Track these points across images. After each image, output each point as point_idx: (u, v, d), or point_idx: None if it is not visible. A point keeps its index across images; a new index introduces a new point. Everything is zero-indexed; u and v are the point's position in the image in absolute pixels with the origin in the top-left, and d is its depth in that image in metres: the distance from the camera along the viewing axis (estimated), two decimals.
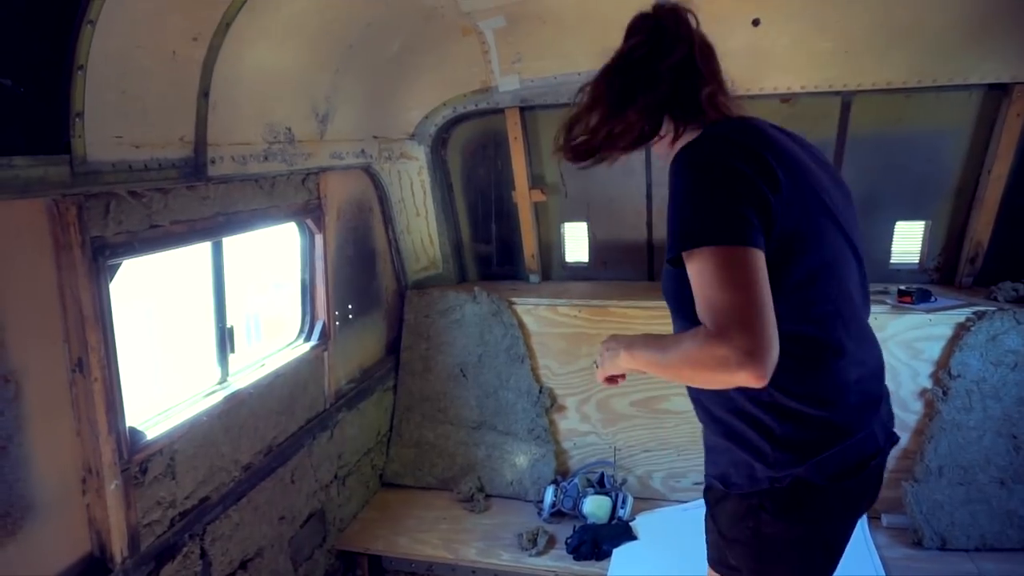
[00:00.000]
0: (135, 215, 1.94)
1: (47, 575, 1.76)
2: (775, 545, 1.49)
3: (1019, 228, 3.15)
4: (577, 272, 3.83)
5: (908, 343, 2.98)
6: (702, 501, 3.17)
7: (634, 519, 3.04)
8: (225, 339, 2.47)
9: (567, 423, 3.41)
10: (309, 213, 2.86)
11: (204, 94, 1.99)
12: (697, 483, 3.21)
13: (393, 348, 3.64)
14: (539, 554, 2.89)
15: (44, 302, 1.72)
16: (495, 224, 3.81)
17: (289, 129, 2.48)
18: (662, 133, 1.54)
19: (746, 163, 1.31)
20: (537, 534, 2.95)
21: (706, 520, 1.64)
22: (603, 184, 3.49)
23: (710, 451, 1.62)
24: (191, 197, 2.16)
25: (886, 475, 1.63)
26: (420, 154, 3.43)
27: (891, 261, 3.40)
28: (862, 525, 2.86)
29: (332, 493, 3.06)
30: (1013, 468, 2.81)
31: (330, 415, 3.06)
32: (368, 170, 3.32)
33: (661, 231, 3.60)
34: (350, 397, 3.22)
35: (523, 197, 3.58)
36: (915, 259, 3.40)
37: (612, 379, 1.67)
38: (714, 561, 1.64)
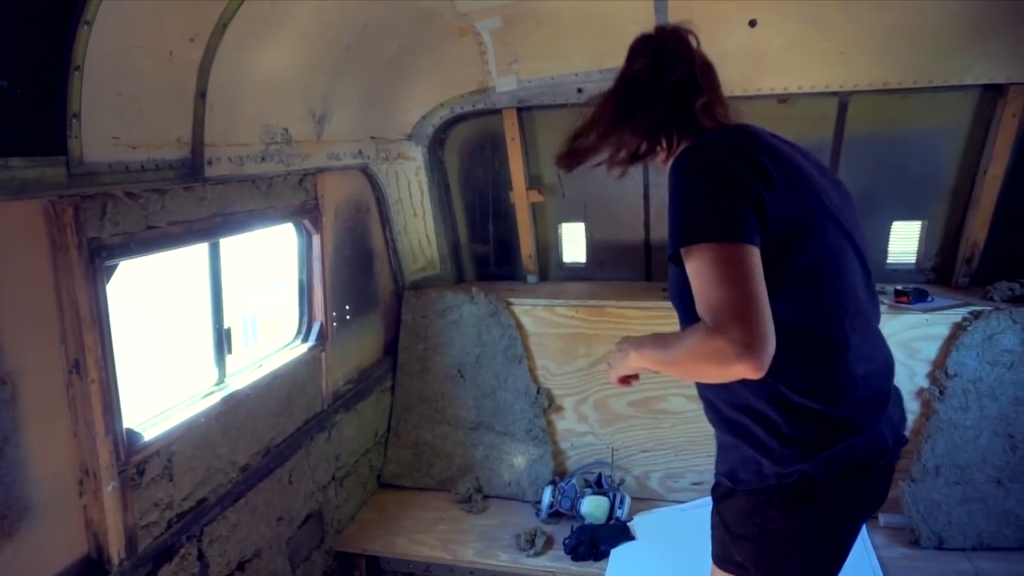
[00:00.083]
0: (132, 216, 1.94)
1: None
2: (781, 542, 1.50)
3: (1015, 228, 3.16)
4: (574, 272, 3.83)
5: (905, 343, 2.99)
6: (700, 501, 3.20)
7: (632, 519, 3.04)
8: (222, 340, 2.47)
9: (565, 423, 3.41)
10: (306, 214, 2.86)
11: (201, 95, 1.99)
12: (695, 483, 3.21)
13: (391, 349, 3.64)
14: (537, 554, 2.89)
15: (41, 303, 1.72)
16: (492, 225, 3.81)
17: (286, 130, 2.48)
18: (661, 147, 1.60)
19: (741, 164, 1.36)
20: (535, 534, 2.95)
21: (712, 517, 1.65)
22: (600, 185, 3.49)
23: (720, 449, 1.64)
24: (188, 198, 2.16)
25: None
26: (417, 155, 3.43)
27: (888, 261, 3.40)
28: None
29: (330, 494, 3.06)
30: (1010, 467, 2.82)
31: (328, 416, 3.06)
32: (365, 171, 3.32)
33: (658, 232, 3.60)
34: (348, 398, 3.22)
35: (520, 197, 3.58)
36: (912, 259, 3.41)
37: (625, 380, 1.70)
38: (719, 558, 1.64)
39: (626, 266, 3.74)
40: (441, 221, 3.64)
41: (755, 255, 1.29)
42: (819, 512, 1.46)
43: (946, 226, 3.30)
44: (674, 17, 2.78)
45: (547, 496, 3.14)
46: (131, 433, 1.98)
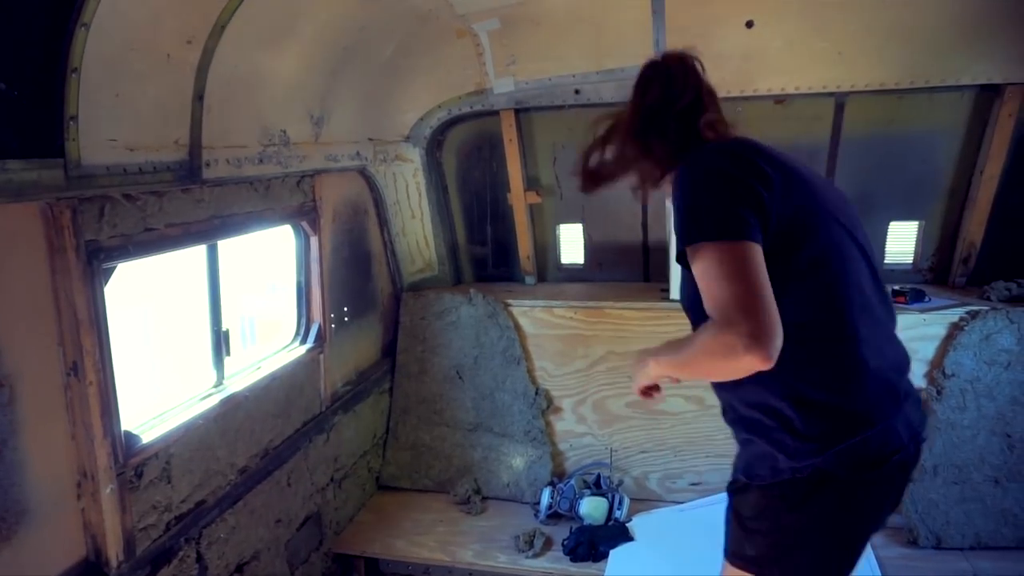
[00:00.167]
0: (130, 218, 1.93)
1: None
2: (794, 536, 1.52)
3: (1011, 228, 3.17)
4: (573, 274, 3.83)
5: (902, 343, 2.99)
6: (699, 502, 3.20)
7: (631, 520, 3.04)
8: (220, 342, 2.47)
9: (563, 424, 3.41)
10: (304, 215, 2.86)
11: (199, 97, 1.99)
12: (694, 484, 3.22)
13: (389, 350, 3.64)
14: (536, 556, 2.89)
15: (38, 306, 1.72)
16: (490, 226, 3.81)
17: (284, 131, 2.48)
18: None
19: (738, 167, 1.45)
20: (534, 536, 2.95)
21: (727, 512, 1.68)
22: None
23: (739, 447, 1.67)
24: (186, 200, 2.15)
25: None
26: (415, 156, 3.44)
27: (885, 261, 3.41)
28: None
29: (328, 496, 3.06)
30: (1007, 467, 2.82)
31: (326, 418, 3.05)
32: (363, 172, 3.32)
33: (656, 232, 3.61)
34: (346, 400, 3.21)
35: (518, 199, 3.58)
36: (909, 259, 3.42)
37: (648, 392, 1.76)
38: (732, 554, 1.66)
39: (624, 267, 3.75)
40: (439, 223, 3.64)
41: (757, 251, 1.35)
42: (833, 507, 1.48)
43: (943, 226, 3.31)
44: (671, 18, 2.80)
45: (546, 497, 3.14)
46: (129, 435, 1.98)
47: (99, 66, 1.62)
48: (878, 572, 2.64)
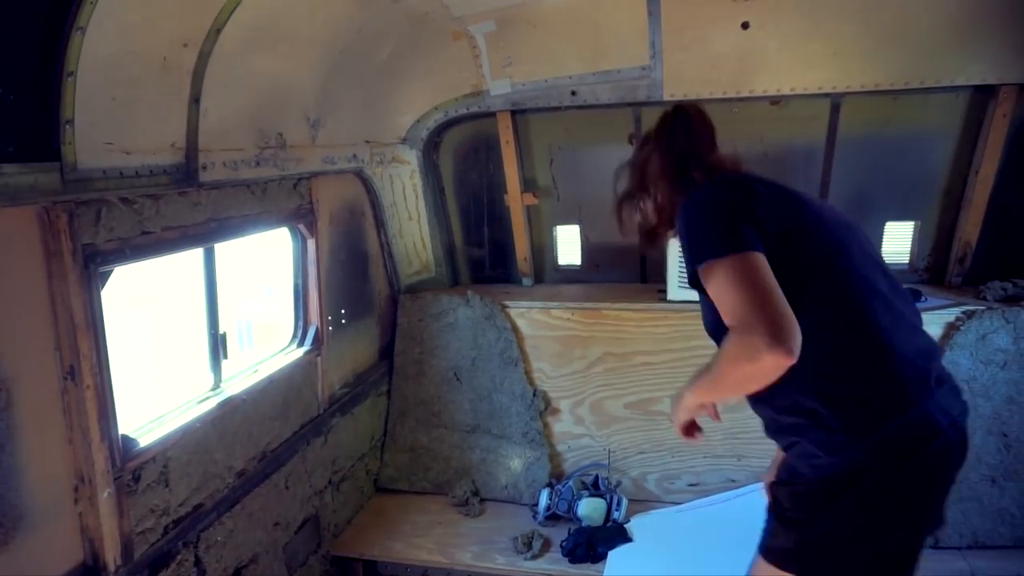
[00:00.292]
0: (126, 222, 1.93)
1: None
2: (830, 531, 1.54)
3: (1007, 228, 3.18)
4: (570, 275, 3.83)
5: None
6: (697, 502, 3.21)
7: (629, 521, 3.04)
8: (218, 345, 2.46)
9: (561, 426, 3.41)
10: (301, 218, 2.86)
11: (195, 100, 1.99)
12: (692, 484, 3.22)
13: (386, 352, 3.64)
14: (534, 557, 2.89)
15: (35, 310, 1.72)
16: (487, 227, 3.81)
17: (280, 134, 2.48)
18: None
19: (732, 192, 1.62)
20: (532, 537, 2.95)
21: (768, 509, 1.71)
22: (595, 187, 3.50)
23: (786, 454, 1.69)
24: (183, 203, 2.15)
25: None
26: (412, 158, 3.44)
27: None
28: None
29: (326, 499, 3.05)
30: (1004, 466, 2.83)
31: (324, 420, 3.05)
32: (360, 174, 3.32)
33: None
34: (344, 402, 3.21)
35: (515, 200, 3.58)
36: (905, 259, 3.43)
37: (689, 431, 1.79)
38: (767, 550, 1.68)
39: (621, 268, 3.75)
40: (436, 224, 3.64)
41: (761, 259, 1.45)
42: (873, 497, 1.49)
43: (939, 226, 3.31)
44: (667, 20, 2.82)
45: (544, 498, 3.14)
46: (127, 439, 1.98)
47: (95, 70, 1.61)
48: None
